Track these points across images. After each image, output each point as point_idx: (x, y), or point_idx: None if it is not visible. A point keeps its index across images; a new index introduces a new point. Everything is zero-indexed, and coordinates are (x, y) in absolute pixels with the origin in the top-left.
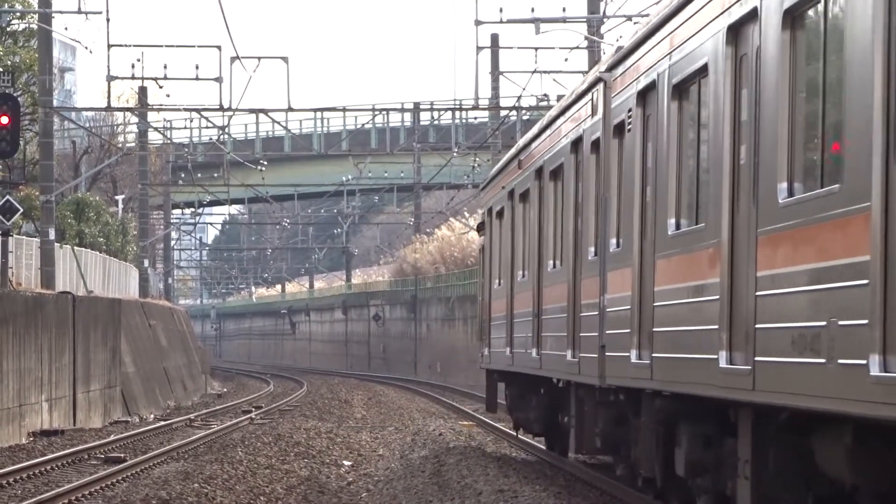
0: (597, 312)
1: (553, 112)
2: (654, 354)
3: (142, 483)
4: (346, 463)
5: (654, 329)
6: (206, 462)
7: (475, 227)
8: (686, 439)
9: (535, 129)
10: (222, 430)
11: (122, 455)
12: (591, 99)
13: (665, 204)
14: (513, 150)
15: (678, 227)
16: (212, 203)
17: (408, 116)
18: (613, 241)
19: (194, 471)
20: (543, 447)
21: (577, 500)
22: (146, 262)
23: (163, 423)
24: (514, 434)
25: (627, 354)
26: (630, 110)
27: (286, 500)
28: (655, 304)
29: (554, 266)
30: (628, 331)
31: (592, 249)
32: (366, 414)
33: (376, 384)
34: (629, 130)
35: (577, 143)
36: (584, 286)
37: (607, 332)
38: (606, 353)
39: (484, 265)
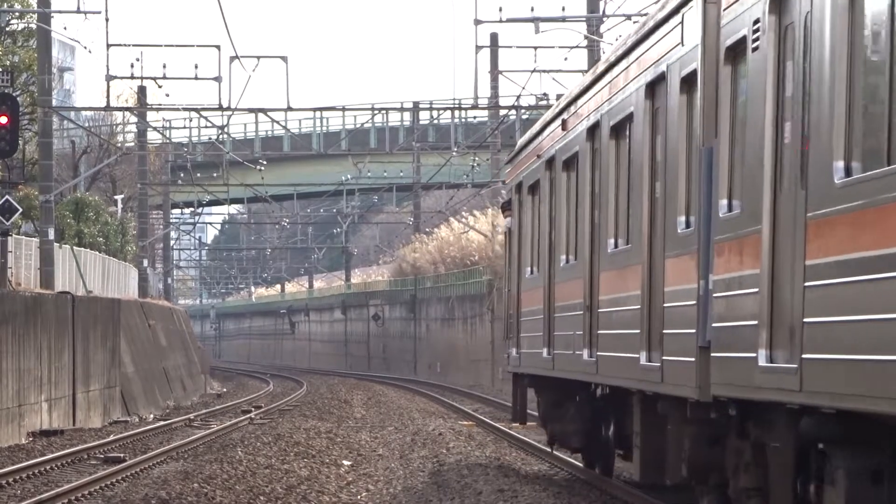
0: (693, 302)
1: (612, 55)
2: (804, 356)
3: (141, 483)
4: (346, 463)
5: (806, 320)
6: (205, 462)
7: (500, 208)
8: (846, 474)
9: (584, 80)
10: (222, 429)
11: (122, 455)
12: (681, 21)
13: (827, 143)
14: (551, 111)
15: (848, 172)
16: (211, 203)
17: (407, 116)
18: (724, 202)
19: (194, 471)
20: (581, 464)
21: (576, 500)
22: (145, 262)
23: (162, 423)
24: (549, 450)
25: (752, 356)
26: (757, 23)
27: (286, 500)
28: (808, 283)
29: (615, 246)
30: (753, 324)
31: (683, 220)
32: (365, 414)
33: (376, 384)
34: (755, 49)
35: (655, 85)
36: (669, 268)
37: (715, 325)
38: (713, 355)
39: (511, 251)
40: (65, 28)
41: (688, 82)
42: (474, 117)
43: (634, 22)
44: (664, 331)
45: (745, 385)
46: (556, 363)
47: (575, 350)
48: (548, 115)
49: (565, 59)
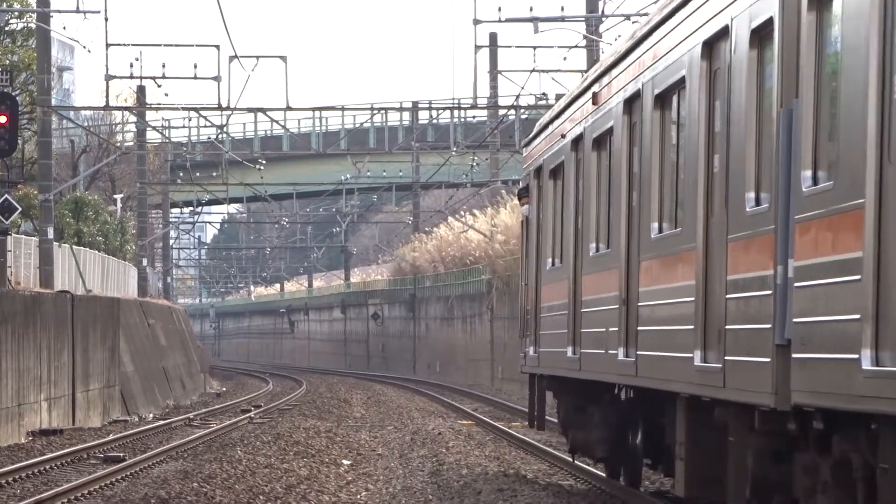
0: (768, 292)
1: (655, 16)
2: None
3: (141, 482)
4: (346, 462)
5: None
6: (205, 461)
7: (517, 194)
8: None
9: (619, 48)
10: (221, 429)
11: (122, 454)
12: None
13: None
14: (578, 86)
15: None
16: (210, 202)
17: (406, 115)
18: (807, 174)
19: (193, 470)
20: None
21: (576, 500)
22: (145, 262)
23: (162, 422)
24: (570, 459)
25: (852, 357)
26: None
27: (285, 500)
28: None
29: (660, 231)
30: (853, 318)
31: (752, 197)
32: (365, 413)
33: (375, 383)
34: None
35: (714, 43)
36: (734, 253)
37: (798, 321)
38: (794, 356)
39: (528, 241)
40: (64, 28)
41: (759, 35)
42: (473, 117)
43: (634, 22)
44: (726, 326)
45: (841, 393)
46: (584, 363)
47: (608, 349)
48: (573, 90)
49: (564, 58)
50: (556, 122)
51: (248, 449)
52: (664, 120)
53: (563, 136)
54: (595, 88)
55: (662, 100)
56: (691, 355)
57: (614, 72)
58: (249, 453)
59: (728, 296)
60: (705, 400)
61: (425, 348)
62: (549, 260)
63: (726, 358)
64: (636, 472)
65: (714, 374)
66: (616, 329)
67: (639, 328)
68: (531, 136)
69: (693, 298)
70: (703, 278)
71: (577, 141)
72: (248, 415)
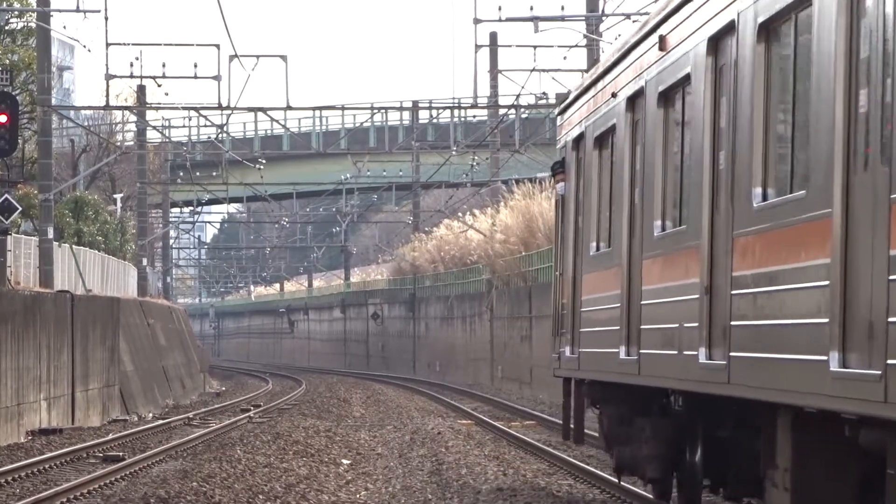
0: None
1: None
2: None
3: (140, 482)
4: (345, 462)
5: None
6: (204, 461)
7: (551, 170)
8: None
9: None
10: (221, 428)
11: (121, 454)
12: None
13: None
14: (637, 30)
15: None
16: (210, 202)
17: (406, 115)
18: None
19: (193, 469)
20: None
21: (576, 499)
22: (145, 261)
23: (161, 421)
24: (616, 481)
25: None
26: None
27: (285, 499)
28: None
29: (764, 198)
30: None
31: None
32: (364, 412)
33: (375, 383)
34: None
35: None
36: None
37: None
38: None
39: (564, 224)
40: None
41: None
42: (473, 116)
43: (634, 21)
44: (890, 319)
45: None
46: (645, 366)
47: (682, 349)
48: (629, 38)
49: (564, 58)
50: (607, 79)
51: (247, 448)
52: (769, 55)
53: (615, 95)
54: (663, 30)
55: (768, 31)
56: (825, 358)
57: (689, 6)
58: (249, 453)
59: (893, 277)
60: (809, 411)
61: (425, 348)
62: (593, 244)
63: (890, 362)
64: (695, 496)
65: (869, 384)
66: (695, 325)
67: (732, 323)
68: (567, 101)
69: (826, 283)
70: (842, 256)
71: (635, 98)
72: (247, 414)
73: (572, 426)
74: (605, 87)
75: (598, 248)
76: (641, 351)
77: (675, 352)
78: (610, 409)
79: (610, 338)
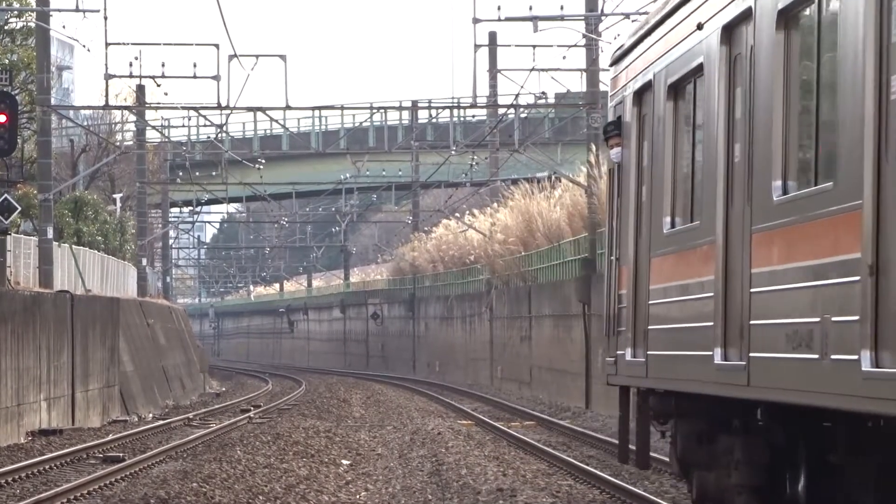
0: None
1: None
2: None
3: (140, 482)
4: (345, 462)
5: None
6: (204, 461)
7: (602, 132)
8: None
9: None
10: (221, 429)
11: (121, 454)
12: None
13: None
14: None
15: None
16: (210, 201)
17: (406, 115)
18: None
19: (193, 470)
20: None
21: (576, 500)
22: (144, 261)
23: (161, 422)
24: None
25: None
26: None
27: (285, 500)
28: None
29: None
30: None
31: None
32: (364, 413)
33: (374, 383)
34: None
35: None
36: None
37: None
38: None
39: (624, 197)
40: (63, 27)
41: None
42: (473, 116)
43: (633, 21)
44: None
45: None
46: (758, 375)
47: (827, 352)
48: None
49: (564, 57)
50: (685, 9)
51: (247, 449)
52: None
53: (701, 27)
54: None
55: None
56: None
57: None
58: (249, 453)
59: None
60: None
61: (425, 348)
62: (667, 219)
63: None
64: None
65: None
66: (853, 319)
67: None
68: (624, 46)
69: None
70: None
71: (735, 26)
72: (247, 415)
73: (633, 446)
74: (684, 18)
75: (673, 225)
76: (752, 354)
77: (818, 356)
78: (687, 425)
79: (697, 337)
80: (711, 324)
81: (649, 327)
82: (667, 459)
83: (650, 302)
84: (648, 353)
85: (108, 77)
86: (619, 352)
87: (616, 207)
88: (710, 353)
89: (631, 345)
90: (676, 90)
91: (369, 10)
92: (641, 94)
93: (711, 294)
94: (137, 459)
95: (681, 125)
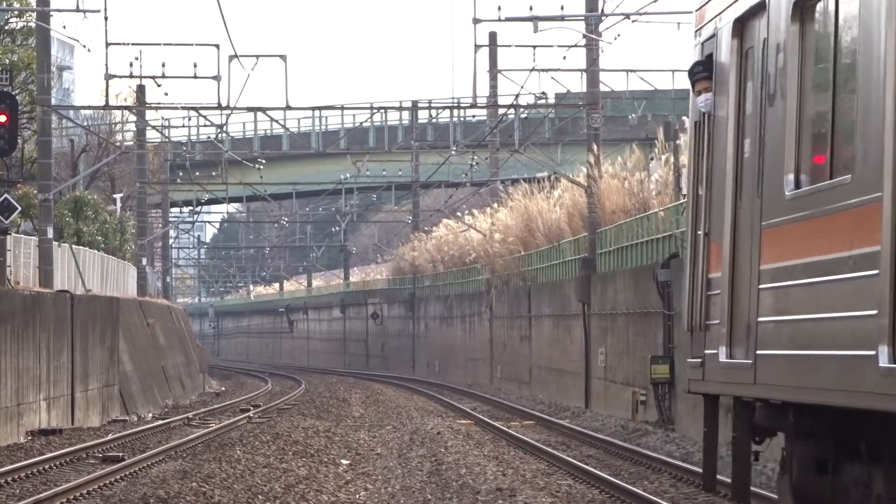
0: None
1: None
2: None
3: (140, 482)
4: (345, 462)
5: None
6: (204, 461)
7: (687, 73)
8: None
9: None
10: (220, 428)
11: (121, 454)
12: None
13: None
14: None
15: None
16: (210, 201)
17: (406, 115)
18: None
19: (192, 470)
20: None
21: (575, 500)
22: (144, 261)
23: (161, 421)
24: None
25: None
26: None
27: (284, 499)
28: None
29: None
30: None
31: None
32: (364, 412)
33: (374, 383)
34: None
35: None
36: None
37: None
38: None
39: (716, 154)
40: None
41: None
42: (473, 116)
43: (633, 21)
44: None
45: None
46: None
47: None
48: None
49: (564, 57)
50: None
51: (247, 449)
52: None
53: None
54: None
55: None
56: None
57: None
58: (248, 453)
59: None
60: None
61: (424, 348)
62: (790, 177)
63: None
64: None
65: None
66: None
67: None
68: None
69: None
70: None
71: None
72: (246, 414)
73: (735, 473)
74: None
75: (799, 184)
76: None
77: None
78: (808, 447)
79: (846, 332)
80: (874, 312)
81: (759, 319)
82: (767, 494)
83: (761, 286)
84: (758, 352)
85: (108, 77)
86: (707, 351)
87: (704, 169)
88: (872, 352)
89: (727, 342)
90: (804, 8)
91: (369, 11)
92: (745, 22)
93: (875, 272)
94: (137, 459)
95: (812, 53)
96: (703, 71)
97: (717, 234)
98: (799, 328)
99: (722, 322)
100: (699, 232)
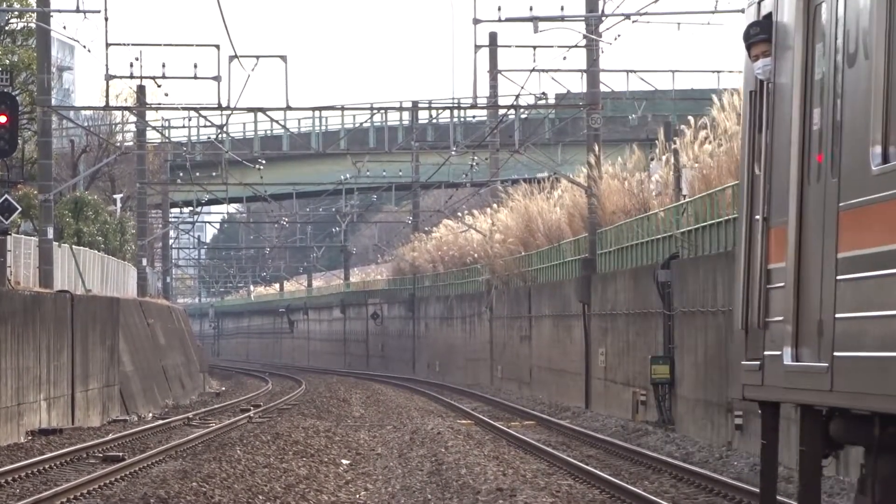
0: None
1: None
2: None
3: (140, 482)
4: (345, 462)
5: None
6: (204, 461)
7: (742, 36)
8: None
9: None
10: (220, 428)
11: (121, 454)
12: None
13: None
14: None
15: None
16: (210, 202)
17: (406, 115)
18: None
19: (193, 470)
20: None
21: (575, 500)
22: (144, 261)
23: (161, 421)
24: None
25: None
26: None
27: (284, 499)
28: None
29: None
30: None
31: None
32: (364, 412)
33: (374, 383)
34: None
35: None
36: None
37: None
38: None
39: (776, 127)
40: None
41: None
42: (473, 116)
43: (633, 21)
44: None
45: None
46: None
47: None
48: None
49: (564, 58)
50: None
51: (247, 448)
52: None
53: None
54: None
55: None
56: None
57: None
58: (248, 453)
59: None
60: None
61: (425, 348)
62: (877, 150)
63: None
64: None
65: None
66: None
67: None
68: None
69: None
70: None
71: None
72: (247, 414)
73: (802, 489)
74: None
75: (885, 158)
76: None
77: None
78: (894, 463)
79: None
80: None
81: (837, 316)
82: None
83: (838, 277)
84: (835, 354)
85: (108, 78)
86: (768, 352)
87: (763, 145)
88: None
89: (792, 342)
90: None
91: (369, 11)
92: None
93: None
94: (137, 459)
95: None
96: (761, 33)
97: (778, 219)
98: (890, 326)
99: (787, 319)
100: (756, 217)
